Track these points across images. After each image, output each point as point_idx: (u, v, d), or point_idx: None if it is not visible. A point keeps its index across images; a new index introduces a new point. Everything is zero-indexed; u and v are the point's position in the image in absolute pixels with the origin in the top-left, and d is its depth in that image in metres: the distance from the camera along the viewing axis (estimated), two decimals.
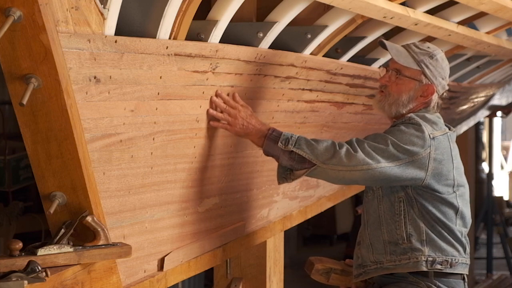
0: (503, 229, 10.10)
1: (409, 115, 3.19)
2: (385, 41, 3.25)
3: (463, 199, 3.24)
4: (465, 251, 3.24)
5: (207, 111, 3.05)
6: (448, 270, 3.19)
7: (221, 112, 3.10)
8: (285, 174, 3.16)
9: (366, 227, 3.28)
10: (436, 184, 3.15)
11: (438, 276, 3.19)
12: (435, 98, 3.25)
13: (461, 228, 3.24)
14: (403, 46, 3.26)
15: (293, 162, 3.10)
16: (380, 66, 3.34)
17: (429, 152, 3.11)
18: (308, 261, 3.52)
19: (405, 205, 3.17)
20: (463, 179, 3.26)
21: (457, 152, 3.25)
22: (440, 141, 3.16)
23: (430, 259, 3.17)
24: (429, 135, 3.13)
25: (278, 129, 3.14)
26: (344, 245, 10.30)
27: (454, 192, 3.20)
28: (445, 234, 3.19)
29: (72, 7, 2.23)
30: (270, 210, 3.93)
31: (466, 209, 3.26)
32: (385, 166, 3.06)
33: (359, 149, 3.05)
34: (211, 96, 3.05)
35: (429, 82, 3.21)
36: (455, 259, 3.20)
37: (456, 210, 3.21)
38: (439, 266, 3.17)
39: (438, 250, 3.18)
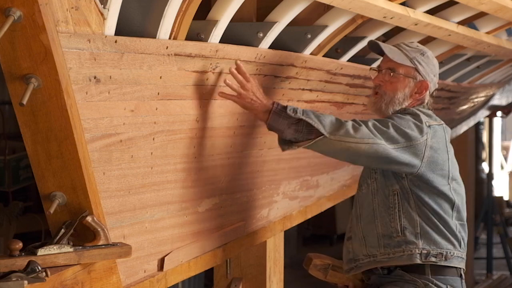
0: (503, 229, 10.09)
1: (403, 107, 3.24)
2: (377, 41, 3.28)
3: (458, 195, 3.26)
4: (460, 245, 3.25)
5: (224, 80, 3.01)
6: (443, 263, 3.20)
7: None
8: (288, 144, 3.11)
9: (359, 221, 3.30)
10: (431, 173, 3.17)
11: (434, 272, 3.19)
12: (427, 95, 3.28)
13: (457, 221, 3.25)
14: (393, 45, 3.31)
15: (299, 134, 3.05)
16: (370, 68, 3.36)
17: (426, 139, 3.15)
18: (306, 257, 3.52)
19: (400, 198, 3.19)
20: (458, 175, 3.29)
21: (451, 148, 3.29)
22: (436, 130, 3.21)
23: (424, 251, 3.18)
24: (426, 123, 3.17)
25: (281, 103, 3.10)
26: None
27: (448, 184, 3.22)
28: (441, 227, 3.21)
29: (72, 7, 2.23)
30: (270, 210, 3.93)
31: (462, 206, 3.28)
32: (386, 144, 3.07)
33: (363, 125, 3.07)
34: (231, 68, 3.01)
35: (423, 79, 3.25)
36: (450, 252, 3.21)
37: (452, 203, 3.23)
38: (433, 259, 3.18)
39: (433, 243, 3.19)
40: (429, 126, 3.17)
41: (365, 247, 3.25)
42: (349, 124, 3.06)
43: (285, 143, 3.12)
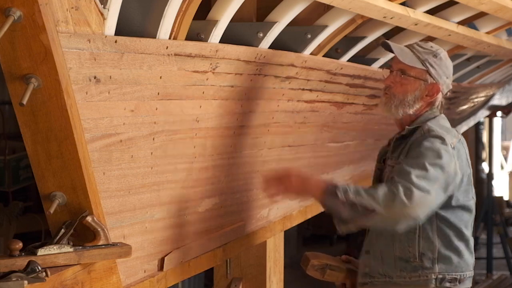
0: (503, 229, 10.08)
1: (427, 126, 3.14)
2: (389, 42, 3.23)
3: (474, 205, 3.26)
4: (473, 264, 3.24)
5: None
6: (456, 287, 3.18)
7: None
8: (345, 224, 3.04)
9: (379, 238, 3.22)
10: (458, 191, 3.13)
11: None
12: (439, 97, 3.24)
13: (471, 236, 3.25)
14: (406, 46, 3.25)
15: (354, 213, 2.96)
16: (382, 67, 3.33)
17: (455, 162, 3.08)
18: (304, 256, 3.50)
19: (420, 223, 3.13)
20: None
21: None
22: (459, 149, 3.15)
23: (440, 276, 3.14)
24: (451, 145, 3.10)
25: (331, 181, 3.04)
26: (344, 245, 10.29)
27: (472, 198, 3.21)
28: (460, 249, 3.18)
29: (72, 7, 2.23)
30: (270, 210, 3.93)
31: None
32: (434, 193, 2.99)
33: (412, 186, 2.94)
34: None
35: (434, 81, 3.19)
36: (463, 275, 3.18)
37: (473, 217, 3.22)
38: (447, 284, 3.15)
39: (449, 267, 3.16)
40: (453, 148, 3.09)
41: (382, 266, 3.20)
42: (401, 191, 2.92)
43: (343, 224, 3.03)
